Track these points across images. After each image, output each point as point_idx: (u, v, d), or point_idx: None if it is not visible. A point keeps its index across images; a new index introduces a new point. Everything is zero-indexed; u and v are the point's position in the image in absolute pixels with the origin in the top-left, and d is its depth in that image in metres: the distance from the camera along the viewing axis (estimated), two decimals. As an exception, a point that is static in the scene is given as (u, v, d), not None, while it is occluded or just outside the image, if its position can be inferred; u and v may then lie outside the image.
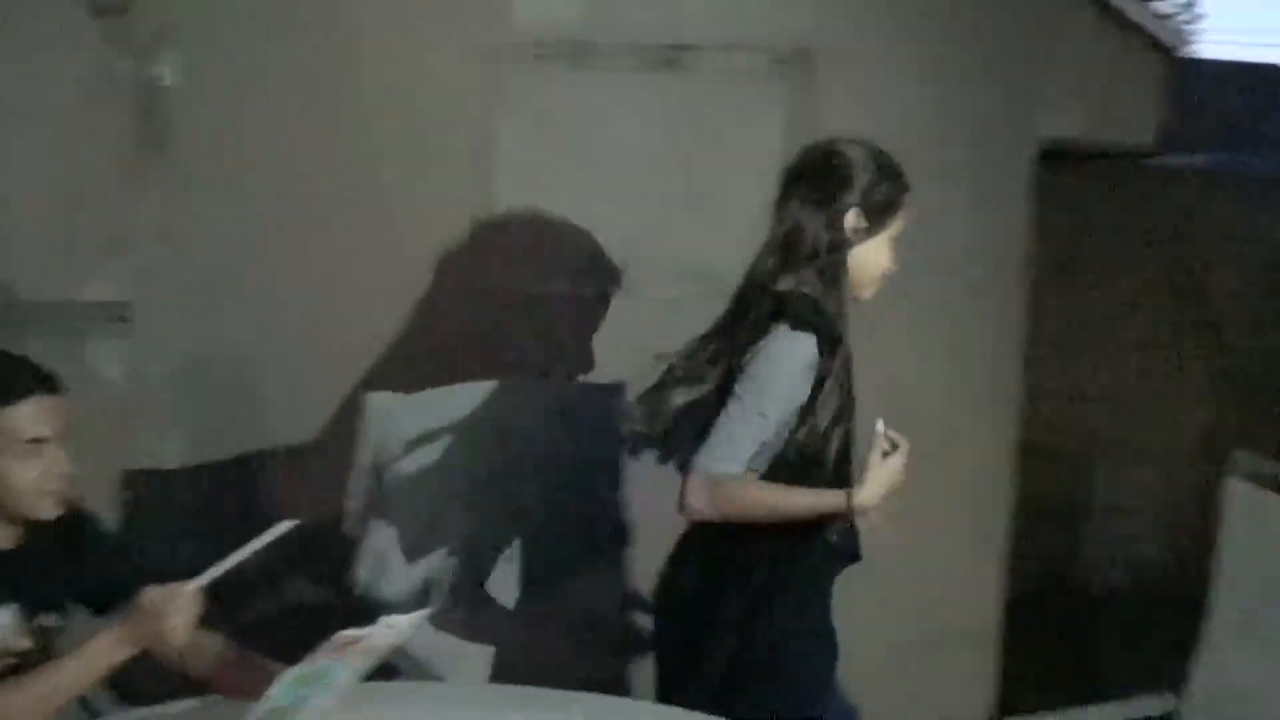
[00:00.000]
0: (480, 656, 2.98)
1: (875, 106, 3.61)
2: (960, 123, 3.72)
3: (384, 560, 2.92)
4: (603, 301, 3.43)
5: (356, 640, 1.86)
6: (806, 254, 2.37)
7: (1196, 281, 5.56)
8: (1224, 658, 2.58)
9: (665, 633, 2.47)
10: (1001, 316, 3.85)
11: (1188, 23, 36.08)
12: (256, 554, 1.92)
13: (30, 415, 2.08)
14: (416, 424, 2.95)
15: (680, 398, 2.42)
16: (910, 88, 3.66)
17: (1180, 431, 5.64)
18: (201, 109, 3.39)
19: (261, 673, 1.97)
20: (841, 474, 2.34)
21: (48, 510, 2.12)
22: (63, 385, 2.14)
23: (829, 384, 2.30)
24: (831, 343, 2.33)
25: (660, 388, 2.46)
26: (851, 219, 2.37)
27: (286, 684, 1.81)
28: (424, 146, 3.40)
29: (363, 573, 2.90)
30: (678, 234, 3.53)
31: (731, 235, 3.50)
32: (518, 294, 3.44)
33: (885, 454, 2.27)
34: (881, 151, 2.47)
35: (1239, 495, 2.61)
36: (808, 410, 2.29)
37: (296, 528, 1.94)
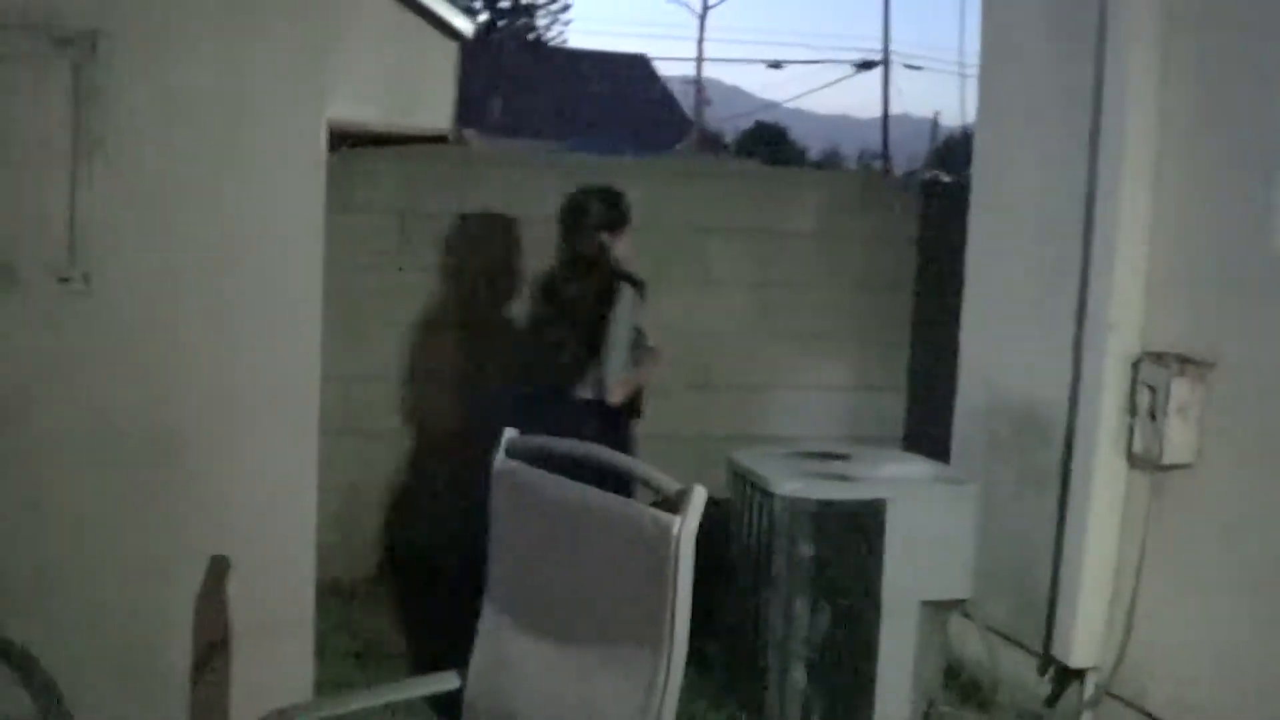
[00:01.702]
0: None
1: (163, 83, 3.53)
2: (250, 98, 3.67)
3: None
4: None
5: None
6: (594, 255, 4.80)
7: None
8: (495, 631, 2.71)
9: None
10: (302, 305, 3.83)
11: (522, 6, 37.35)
12: None
13: None
14: None
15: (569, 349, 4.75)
16: (199, 61, 3.59)
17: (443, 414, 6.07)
18: None
19: None
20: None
21: None
22: None
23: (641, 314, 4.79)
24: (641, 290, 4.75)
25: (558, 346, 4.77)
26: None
27: None
28: None
29: None
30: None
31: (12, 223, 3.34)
32: None
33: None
34: (608, 191, 4.88)
35: (500, 472, 2.74)
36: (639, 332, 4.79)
37: None
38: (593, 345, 4.64)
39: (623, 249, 4.78)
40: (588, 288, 4.65)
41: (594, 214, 4.74)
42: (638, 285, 4.67)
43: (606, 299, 4.62)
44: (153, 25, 3.57)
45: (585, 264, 4.71)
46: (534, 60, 31.38)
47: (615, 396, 4.59)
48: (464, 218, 6.10)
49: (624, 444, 4.57)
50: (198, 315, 3.67)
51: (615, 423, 4.62)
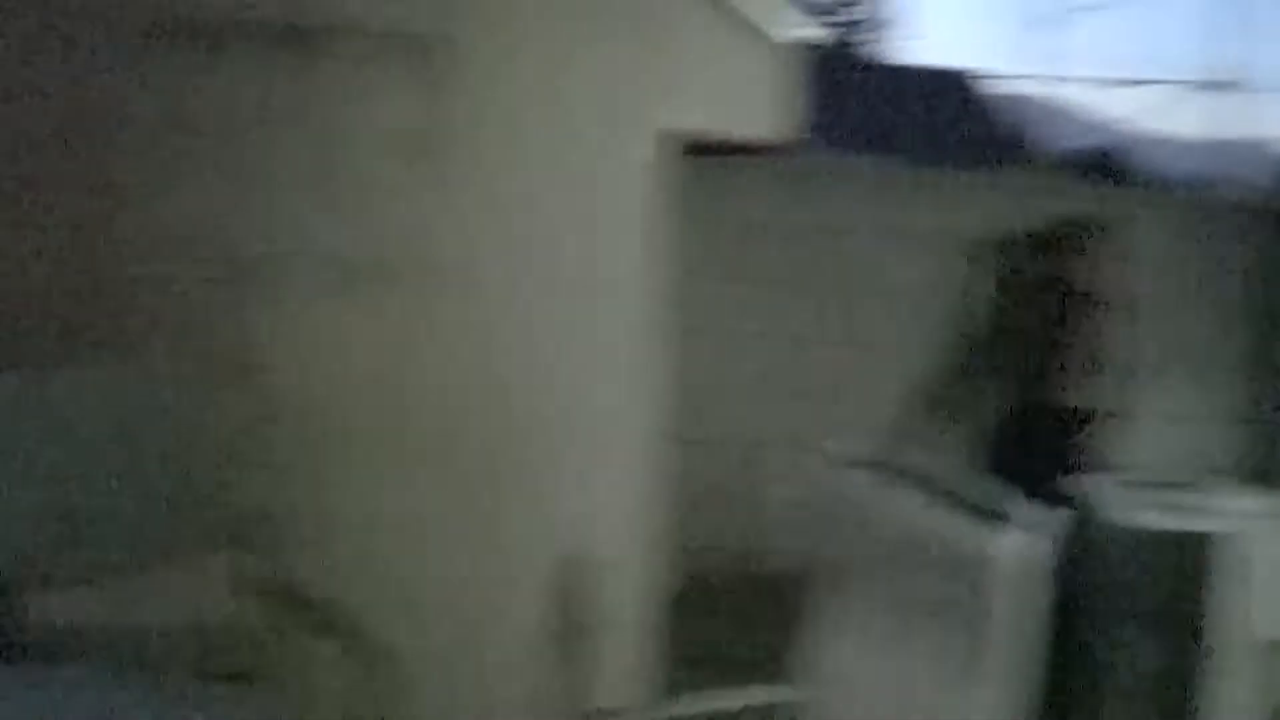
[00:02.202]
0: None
1: (507, 89, 3.63)
2: (587, 106, 3.74)
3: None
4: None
5: None
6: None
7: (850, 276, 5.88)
8: (833, 645, 2.67)
9: None
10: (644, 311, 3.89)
11: (849, 21, 37.54)
12: None
13: None
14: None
15: None
16: (539, 70, 3.67)
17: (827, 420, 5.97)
18: None
19: None
20: None
21: None
22: None
23: None
24: None
25: None
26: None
27: None
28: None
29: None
30: (311, 221, 3.45)
31: (364, 222, 3.50)
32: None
33: None
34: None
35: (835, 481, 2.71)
36: None
37: None
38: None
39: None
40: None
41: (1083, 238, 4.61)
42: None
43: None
44: (495, 32, 3.66)
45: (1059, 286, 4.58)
46: (860, 74, 31.21)
47: None
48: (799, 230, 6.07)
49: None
50: (541, 316, 3.75)
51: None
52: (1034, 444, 4.34)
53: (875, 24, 34.72)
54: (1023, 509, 2.31)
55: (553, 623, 3.76)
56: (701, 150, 5.68)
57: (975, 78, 35.99)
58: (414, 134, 3.58)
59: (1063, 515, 2.22)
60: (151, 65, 3.24)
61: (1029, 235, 4.51)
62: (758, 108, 6.10)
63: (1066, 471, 4.07)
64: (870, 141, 24.13)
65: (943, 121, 31.36)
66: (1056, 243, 4.46)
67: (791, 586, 3.91)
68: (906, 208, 4.99)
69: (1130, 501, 4.47)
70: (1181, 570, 4.30)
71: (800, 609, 2.86)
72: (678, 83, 4.34)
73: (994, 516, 2.77)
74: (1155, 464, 5.67)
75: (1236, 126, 30.22)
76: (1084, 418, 4.45)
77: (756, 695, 2.87)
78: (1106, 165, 31.84)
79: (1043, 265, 4.47)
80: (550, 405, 3.78)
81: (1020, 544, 2.21)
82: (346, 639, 3.48)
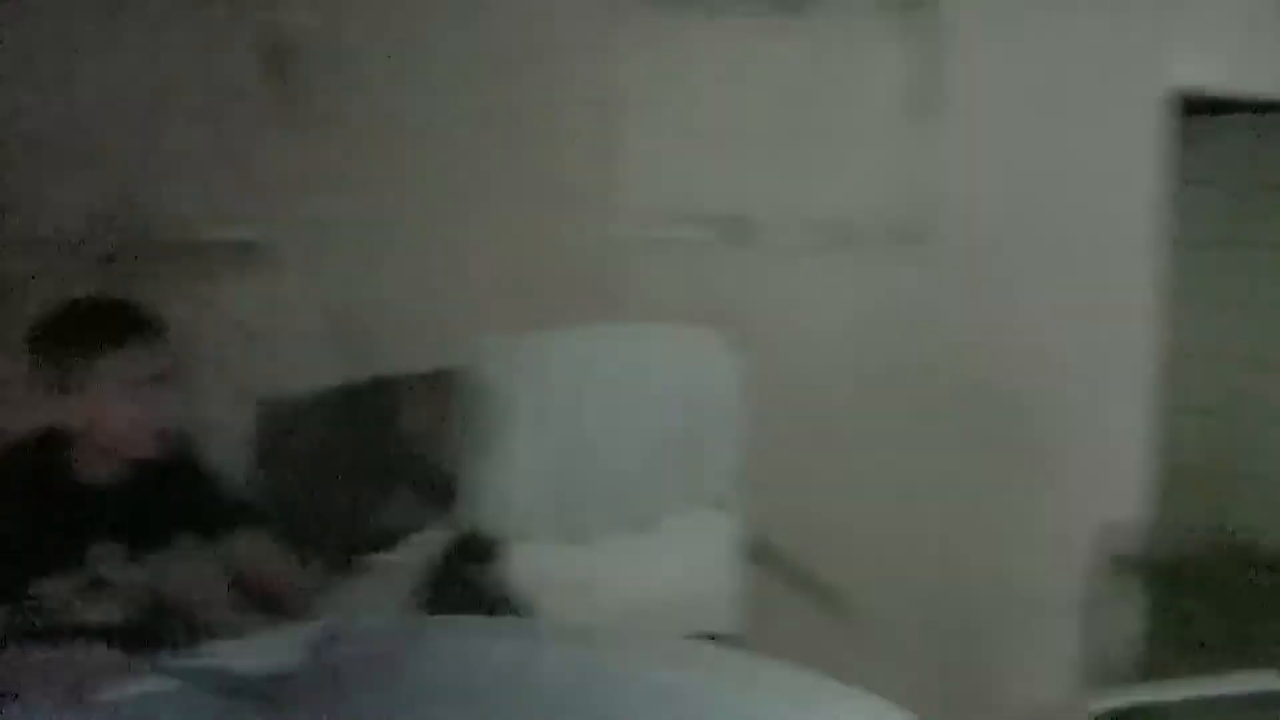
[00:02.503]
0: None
1: (999, 46, 3.54)
2: (1087, 63, 3.60)
3: (492, 492, 2.92)
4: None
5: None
6: None
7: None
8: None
9: None
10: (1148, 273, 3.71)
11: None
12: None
13: (129, 360, 2.09)
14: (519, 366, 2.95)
15: None
16: (1035, 26, 3.56)
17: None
18: (335, 56, 3.47)
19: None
20: None
21: (145, 451, 2.16)
22: (166, 329, 2.15)
23: None
24: None
25: None
26: None
27: None
28: (552, 98, 3.44)
29: (465, 503, 2.92)
30: (800, 182, 3.51)
31: (852, 182, 3.52)
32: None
33: None
34: None
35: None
36: None
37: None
38: None
39: None
40: None
41: None
42: None
43: None
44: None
45: None
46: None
47: None
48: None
49: None
50: (1032, 278, 3.66)
51: None
52: None
53: None
54: None
55: (1059, 596, 3.69)
56: (1207, 107, 5.34)
57: None
58: (911, 91, 3.59)
59: None
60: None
61: None
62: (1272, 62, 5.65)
63: None
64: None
65: None
66: None
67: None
68: None
69: None
70: None
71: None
72: (1187, 35, 4.11)
73: None
74: None
75: None
76: None
77: (1243, 682, 2.71)
78: None
79: None
80: (1055, 370, 3.68)
81: None
82: (832, 603, 3.55)
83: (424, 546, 1.88)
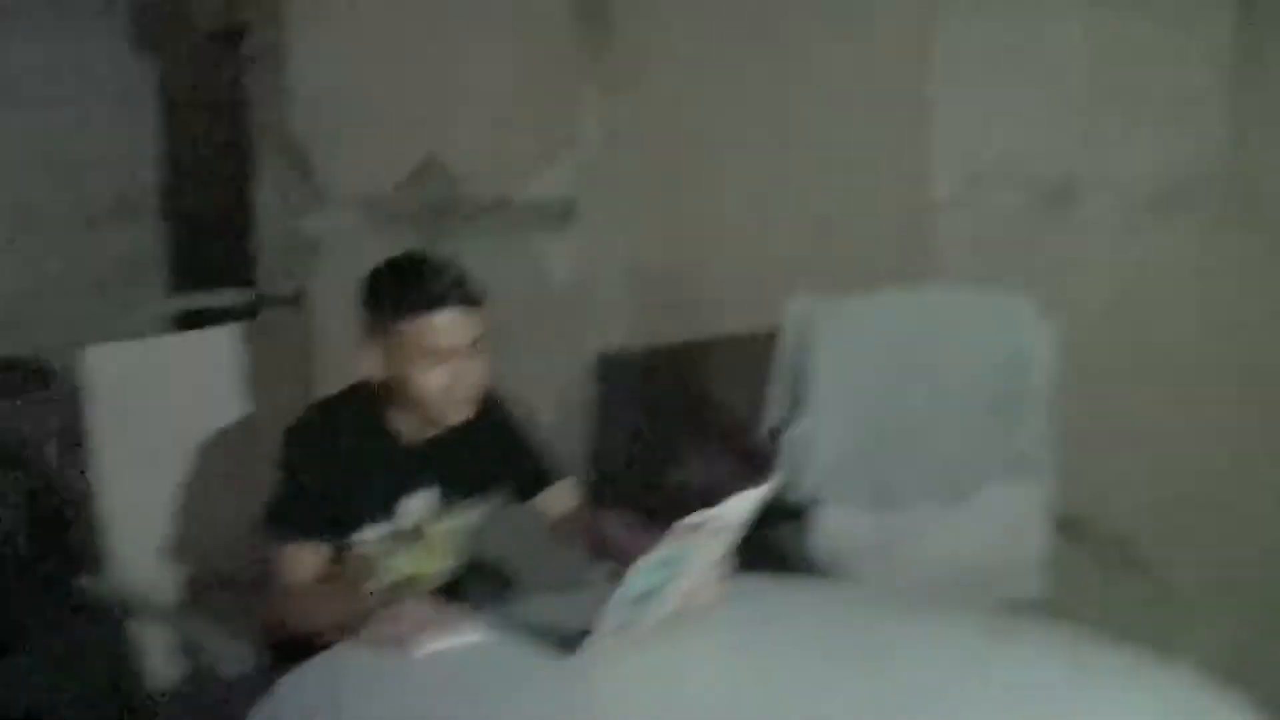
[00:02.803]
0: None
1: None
2: None
3: (803, 454, 2.96)
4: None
5: (701, 524, 1.83)
6: None
7: None
8: None
9: None
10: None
11: None
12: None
13: (444, 327, 2.09)
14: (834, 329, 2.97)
15: None
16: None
17: None
18: (644, 5, 3.52)
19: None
20: None
21: (459, 415, 2.17)
22: (485, 294, 2.15)
23: None
24: None
25: None
26: None
27: (641, 573, 1.80)
28: (860, 57, 3.41)
29: (781, 467, 2.96)
30: (1122, 146, 3.42)
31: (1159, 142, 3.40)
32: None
33: None
34: None
35: None
36: None
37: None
38: None
39: None
40: None
41: None
42: None
43: None
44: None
45: None
46: None
47: None
48: None
49: None
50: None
51: None
52: None
53: None
54: None
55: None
56: None
57: None
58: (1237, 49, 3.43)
59: None
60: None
61: None
62: None
63: None
64: None
65: None
66: None
67: None
68: None
69: None
70: None
71: None
72: None
73: None
74: None
75: None
76: None
77: None
78: None
79: None
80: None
81: None
82: (1140, 573, 3.45)
83: (738, 506, 1.91)
